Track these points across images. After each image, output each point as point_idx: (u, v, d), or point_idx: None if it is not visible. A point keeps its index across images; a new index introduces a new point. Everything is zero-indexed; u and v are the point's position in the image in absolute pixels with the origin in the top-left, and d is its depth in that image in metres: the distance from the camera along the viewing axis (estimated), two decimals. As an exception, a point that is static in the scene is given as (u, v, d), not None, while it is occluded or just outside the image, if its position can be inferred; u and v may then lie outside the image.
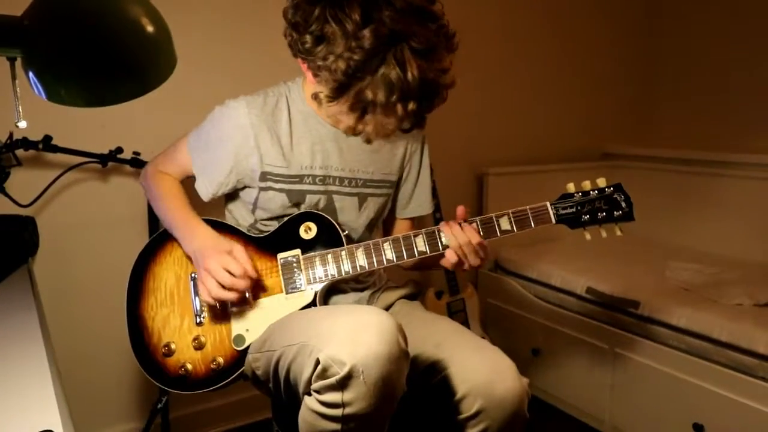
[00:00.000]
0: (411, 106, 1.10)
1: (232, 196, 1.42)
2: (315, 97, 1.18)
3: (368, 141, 1.23)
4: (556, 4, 2.85)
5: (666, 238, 2.76)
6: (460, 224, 1.27)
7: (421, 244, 1.29)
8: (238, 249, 1.27)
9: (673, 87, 3.05)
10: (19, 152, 1.63)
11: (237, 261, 1.24)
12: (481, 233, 1.28)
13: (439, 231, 1.28)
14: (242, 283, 1.23)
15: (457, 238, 1.25)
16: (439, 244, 1.28)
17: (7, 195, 1.63)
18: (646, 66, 3.13)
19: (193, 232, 1.32)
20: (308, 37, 1.12)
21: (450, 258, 1.27)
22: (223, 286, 1.22)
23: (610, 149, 3.11)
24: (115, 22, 0.62)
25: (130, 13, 0.63)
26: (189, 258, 1.34)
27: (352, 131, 1.19)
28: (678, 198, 2.81)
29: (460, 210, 1.29)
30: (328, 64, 1.10)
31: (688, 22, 2.95)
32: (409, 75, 1.07)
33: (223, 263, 1.23)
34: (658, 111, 3.13)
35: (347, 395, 1.02)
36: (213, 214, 1.45)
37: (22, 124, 0.69)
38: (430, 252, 1.29)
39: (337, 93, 1.12)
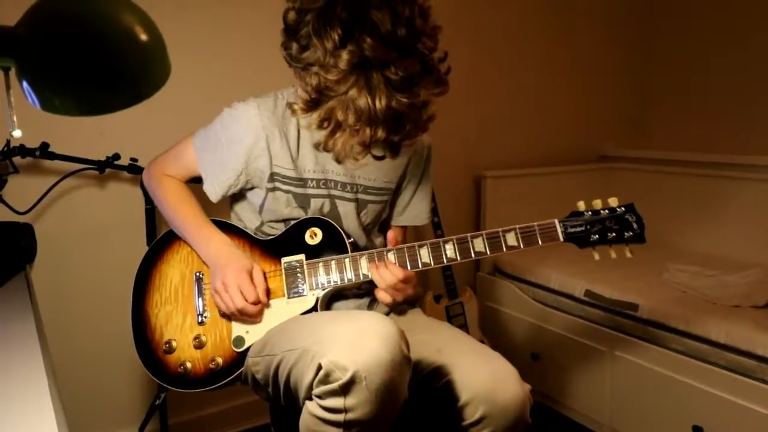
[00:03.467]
0: (379, 133, 1.09)
1: (238, 198, 1.43)
2: (289, 106, 1.18)
3: (338, 161, 1.21)
4: (553, 7, 2.85)
5: (664, 240, 2.76)
6: (384, 262, 1.28)
7: (425, 256, 1.29)
8: (257, 271, 1.29)
9: (670, 89, 3.05)
10: (17, 159, 1.63)
11: (253, 285, 1.27)
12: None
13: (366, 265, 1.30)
14: (252, 309, 1.27)
15: (384, 280, 1.26)
16: (444, 257, 1.29)
17: (4, 202, 1.63)
18: (643, 68, 3.14)
19: (209, 240, 1.33)
20: (294, 45, 1.12)
21: (383, 298, 1.29)
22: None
23: (607, 151, 3.11)
24: (109, 31, 0.62)
25: (124, 21, 0.63)
26: (195, 257, 1.36)
27: (323, 147, 1.17)
28: (675, 200, 2.81)
29: (391, 235, 1.30)
30: (304, 76, 1.10)
31: (685, 24, 2.95)
32: (378, 103, 1.05)
33: (240, 284, 1.26)
34: (655, 113, 3.13)
35: (349, 401, 1.02)
36: (217, 213, 1.45)
37: (17, 134, 0.69)
38: (434, 264, 1.29)
39: (308, 107, 1.12)
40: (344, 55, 1.04)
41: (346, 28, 1.05)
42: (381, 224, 1.52)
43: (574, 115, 3.00)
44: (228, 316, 1.32)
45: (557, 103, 2.94)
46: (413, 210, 1.50)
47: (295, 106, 1.14)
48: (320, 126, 1.13)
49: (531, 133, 2.87)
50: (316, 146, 1.21)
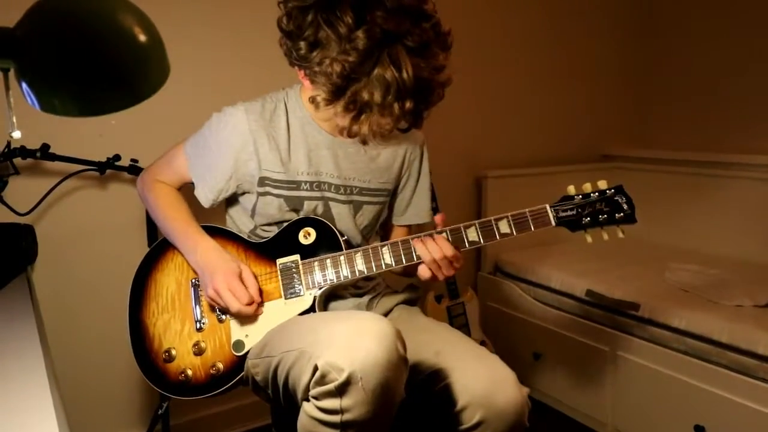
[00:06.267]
0: (408, 105, 1.11)
1: (231, 201, 1.43)
2: (312, 100, 1.18)
3: (364, 142, 1.22)
4: (555, 6, 2.85)
5: (665, 239, 2.76)
6: (432, 236, 1.26)
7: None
8: (247, 272, 1.29)
9: (671, 88, 3.04)
10: (17, 161, 1.63)
11: (244, 287, 1.27)
12: (481, 238, 1.27)
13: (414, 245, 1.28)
14: (248, 311, 1.27)
15: (431, 253, 1.24)
16: None
17: (5, 203, 1.63)
18: (645, 67, 3.13)
19: (196, 245, 1.33)
20: (302, 44, 1.13)
21: (423, 273, 1.27)
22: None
23: (609, 151, 3.11)
24: (108, 31, 0.62)
25: (123, 22, 0.63)
26: (190, 264, 1.35)
27: (348, 133, 1.18)
28: (677, 199, 2.80)
29: (439, 218, 1.29)
30: (323, 69, 1.10)
31: (686, 23, 2.95)
32: (404, 74, 1.07)
33: (231, 288, 1.26)
34: (657, 112, 3.13)
35: (346, 401, 1.02)
36: (213, 218, 1.45)
37: (16, 134, 0.70)
38: None
39: (334, 96, 1.13)
40: (361, 35, 1.06)
41: (355, 9, 1.07)
42: (381, 227, 1.52)
43: (575, 115, 3.00)
44: (224, 318, 1.32)
45: (559, 103, 2.93)
46: (414, 208, 1.50)
47: (318, 98, 1.15)
48: (346, 111, 1.14)
49: (532, 133, 2.87)
50: (341, 134, 1.22)
